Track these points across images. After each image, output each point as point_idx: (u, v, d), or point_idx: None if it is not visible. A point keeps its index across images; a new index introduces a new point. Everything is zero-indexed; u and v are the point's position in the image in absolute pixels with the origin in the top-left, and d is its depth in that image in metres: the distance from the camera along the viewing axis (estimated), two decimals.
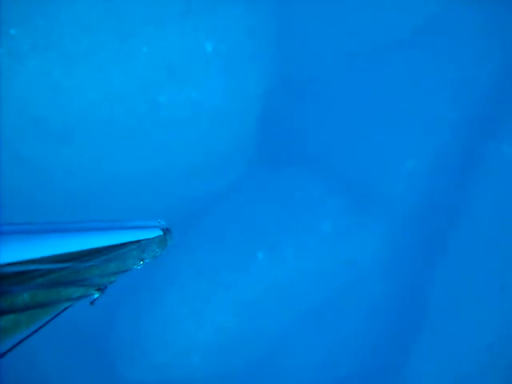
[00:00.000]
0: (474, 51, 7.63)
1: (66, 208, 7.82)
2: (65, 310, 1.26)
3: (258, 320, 7.65)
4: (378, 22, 8.07)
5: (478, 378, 6.84)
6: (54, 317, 1.23)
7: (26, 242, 0.99)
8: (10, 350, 1.05)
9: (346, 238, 7.62)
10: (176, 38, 7.78)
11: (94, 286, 1.36)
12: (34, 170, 7.66)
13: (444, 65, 7.70)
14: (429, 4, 7.93)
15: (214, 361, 7.55)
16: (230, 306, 7.53)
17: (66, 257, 1.12)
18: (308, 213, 7.56)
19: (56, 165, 7.69)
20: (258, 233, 7.57)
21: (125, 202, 8.00)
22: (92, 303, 1.40)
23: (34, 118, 7.40)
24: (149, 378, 7.56)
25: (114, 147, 7.89)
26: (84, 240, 1.22)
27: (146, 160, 7.89)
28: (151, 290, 7.81)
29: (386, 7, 7.84)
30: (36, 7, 7.06)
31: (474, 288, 7.18)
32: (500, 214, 7.15)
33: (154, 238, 1.66)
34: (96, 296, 1.39)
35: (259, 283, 7.52)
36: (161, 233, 1.72)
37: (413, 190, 7.82)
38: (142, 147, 7.85)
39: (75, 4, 6.98)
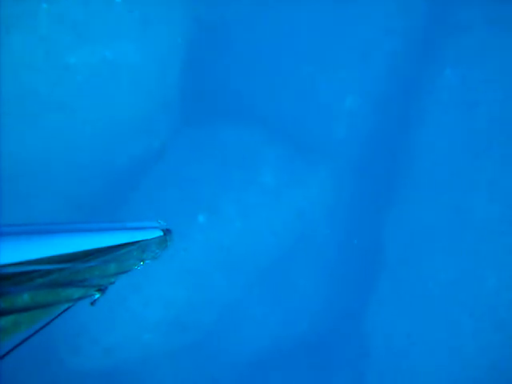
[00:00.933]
0: None
1: None
2: (65, 310, 1.24)
3: (209, 287, 7.14)
4: None
5: (439, 320, 6.56)
6: (55, 318, 1.21)
7: (26, 242, 0.98)
8: (10, 351, 1.02)
9: (291, 189, 7.12)
10: None
11: (94, 286, 1.34)
12: None
13: None
14: None
15: (166, 337, 7.03)
16: (176, 276, 6.98)
17: (66, 257, 1.11)
18: (246, 166, 7.00)
19: None
20: (196, 194, 6.99)
21: (49, 176, 7.29)
22: (92, 304, 1.38)
23: None
24: (98, 364, 7.00)
25: (27, 120, 7.11)
26: (84, 241, 1.21)
27: (64, 130, 7.15)
28: None
29: None
30: None
31: (429, 229, 6.83)
32: (451, 145, 6.75)
33: (153, 238, 1.65)
34: (96, 296, 1.37)
35: (204, 249, 6.98)
36: (161, 233, 1.73)
37: (355, 129, 7.34)
38: (57, 116, 7.09)
39: None
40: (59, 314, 1.24)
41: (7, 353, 1.04)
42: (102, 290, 1.40)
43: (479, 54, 6.75)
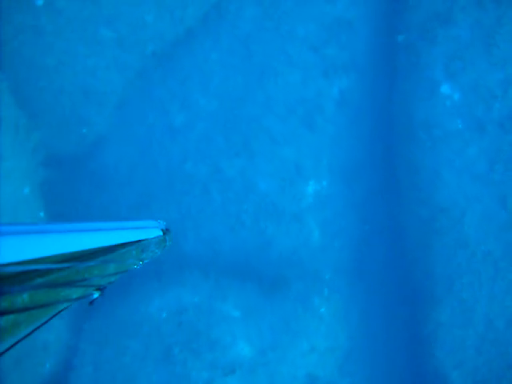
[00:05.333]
0: None
1: None
2: (62, 310, 1.21)
3: None
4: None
5: None
6: (52, 317, 1.17)
7: (25, 242, 0.98)
8: (7, 350, 0.98)
9: (285, 353, 4.51)
10: None
11: (94, 286, 1.32)
12: None
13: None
14: None
15: None
16: None
17: (65, 257, 1.12)
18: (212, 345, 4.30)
19: None
20: None
21: None
22: (91, 303, 1.34)
23: None
24: None
25: None
26: (84, 240, 1.19)
27: None
28: None
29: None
30: None
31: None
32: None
33: (153, 238, 1.61)
34: (95, 296, 1.34)
35: None
36: (160, 233, 1.67)
37: (329, 225, 4.85)
38: None
39: None
40: (56, 314, 1.15)
41: (3, 352, 0.94)
42: (101, 289, 1.31)
43: (478, 46, 4.42)
